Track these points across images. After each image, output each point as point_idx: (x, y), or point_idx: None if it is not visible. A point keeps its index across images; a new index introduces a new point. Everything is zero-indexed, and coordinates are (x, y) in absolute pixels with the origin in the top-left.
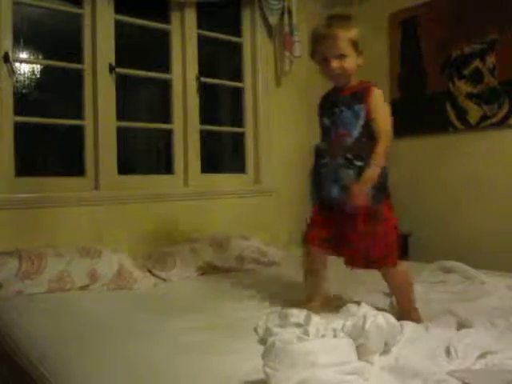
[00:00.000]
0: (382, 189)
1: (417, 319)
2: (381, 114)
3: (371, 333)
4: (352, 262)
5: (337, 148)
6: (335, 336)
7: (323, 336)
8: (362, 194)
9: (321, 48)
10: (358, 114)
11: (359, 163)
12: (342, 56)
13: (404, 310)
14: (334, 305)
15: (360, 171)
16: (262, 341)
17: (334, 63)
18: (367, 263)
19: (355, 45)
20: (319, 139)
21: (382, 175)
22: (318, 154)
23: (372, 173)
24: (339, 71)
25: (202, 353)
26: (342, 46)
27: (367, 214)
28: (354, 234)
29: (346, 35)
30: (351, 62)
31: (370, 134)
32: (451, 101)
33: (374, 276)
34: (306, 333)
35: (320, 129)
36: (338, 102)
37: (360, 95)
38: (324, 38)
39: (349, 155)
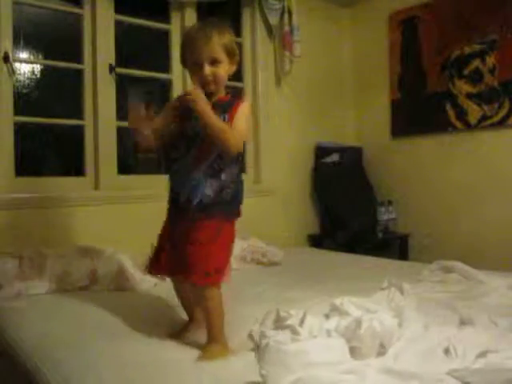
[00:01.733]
0: (227, 205)
1: (218, 353)
2: (240, 119)
3: (366, 337)
4: (170, 268)
5: (201, 161)
6: (329, 336)
7: (315, 337)
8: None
9: (193, 51)
10: None
11: (223, 175)
12: (215, 61)
13: (212, 338)
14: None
15: (221, 184)
16: (257, 348)
17: (207, 69)
18: (187, 272)
19: (229, 52)
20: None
21: (229, 190)
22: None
23: (204, 108)
24: (211, 78)
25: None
26: (216, 49)
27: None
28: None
29: (220, 39)
30: (223, 69)
31: None
32: (451, 101)
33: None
34: (299, 333)
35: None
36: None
37: (227, 106)
38: (197, 40)
39: (214, 168)
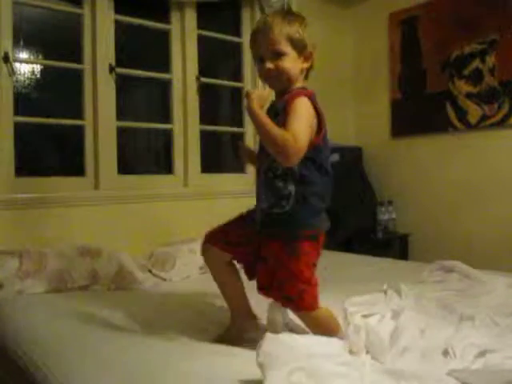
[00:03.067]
0: (300, 221)
1: None
2: (293, 119)
3: (369, 341)
4: (266, 291)
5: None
6: None
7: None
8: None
9: (255, 45)
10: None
11: (279, 183)
12: (277, 54)
13: None
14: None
15: (278, 194)
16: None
17: (269, 63)
18: (283, 299)
19: (294, 43)
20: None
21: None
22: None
23: (255, 110)
24: (274, 73)
25: (205, 354)
26: (277, 40)
27: (283, 244)
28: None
29: (281, 29)
30: (289, 62)
31: None
32: (451, 101)
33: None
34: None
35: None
36: (277, 111)
37: (281, 106)
38: (258, 32)
39: (271, 173)
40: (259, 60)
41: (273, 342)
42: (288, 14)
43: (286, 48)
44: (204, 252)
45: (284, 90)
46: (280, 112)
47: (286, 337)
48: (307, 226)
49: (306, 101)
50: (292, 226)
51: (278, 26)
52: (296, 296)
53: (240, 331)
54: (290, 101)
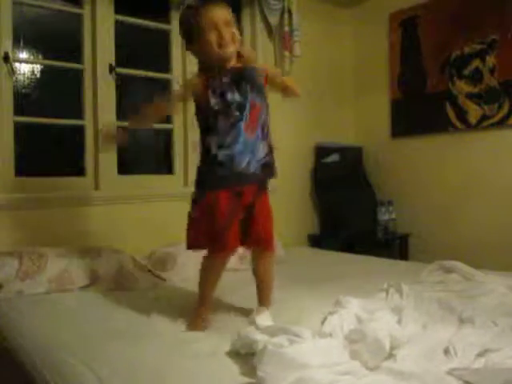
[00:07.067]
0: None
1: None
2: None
3: (371, 347)
4: (257, 242)
5: (256, 123)
6: (329, 336)
7: (314, 337)
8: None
9: (205, 18)
10: (261, 86)
11: (269, 135)
12: (229, 24)
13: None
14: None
15: (269, 143)
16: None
17: (224, 29)
18: (265, 243)
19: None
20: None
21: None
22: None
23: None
24: (230, 38)
25: (206, 355)
26: (229, 12)
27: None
28: (263, 210)
29: (226, 6)
30: (236, 31)
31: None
32: (451, 101)
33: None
34: (300, 336)
35: (215, 108)
36: (243, 76)
37: (255, 69)
38: (208, 7)
39: (265, 128)
40: (213, 28)
41: (272, 356)
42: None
43: (232, 20)
44: (224, 260)
45: (230, 57)
46: (259, 74)
47: (285, 348)
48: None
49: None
50: (274, 172)
51: (223, 4)
52: (271, 238)
53: (203, 320)
54: (266, 67)
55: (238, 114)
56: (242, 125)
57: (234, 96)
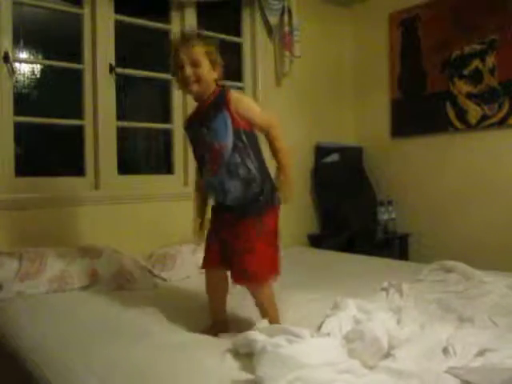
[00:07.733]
0: (266, 196)
1: None
2: (252, 111)
3: (370, 346)
4: (234, 276)
5: (217, 163)
6: (327, 336)
7: (313, 337)
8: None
9: (177, 57)
10: (225, 122)
11: (242, 171)
12: (195, 64)
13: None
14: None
15: (246, 180)
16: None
17: (188, 69)
18: (246, 278)
19: (210, 57)
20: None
21: (266, 180)
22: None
23: (288, 160)
24: (194, 78)
25: (206, 355)
26: (197, 52)
27: (250, 226)
28: (237, 244)
29: (198, 43)
30: (205, 71)
31: (242, 139)
32: (451, 101)
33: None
34: (300, 336)
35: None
36: (203, 119)
37: (219, 102)
38: (181, 46)
39: (231, 167)
40: (180, 68)
41: (271, 355)
42: (200, 31)
43: (204, 61)
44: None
45: (204, 97)
46: (219, 107)
47: (284, 348)
48: None
49: (239, 93)
50: (260, 206)
51: (195, 40)
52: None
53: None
54: (227, 95)
55: (200, 154)
56: (205, 165)
57: (196, 137)
